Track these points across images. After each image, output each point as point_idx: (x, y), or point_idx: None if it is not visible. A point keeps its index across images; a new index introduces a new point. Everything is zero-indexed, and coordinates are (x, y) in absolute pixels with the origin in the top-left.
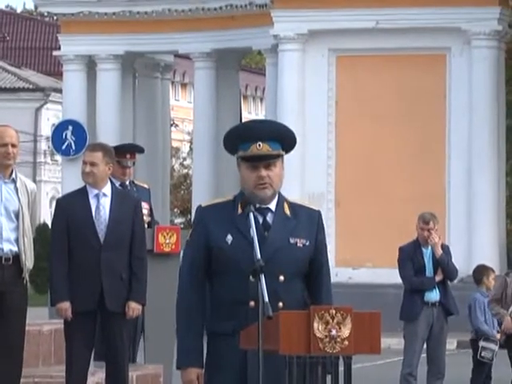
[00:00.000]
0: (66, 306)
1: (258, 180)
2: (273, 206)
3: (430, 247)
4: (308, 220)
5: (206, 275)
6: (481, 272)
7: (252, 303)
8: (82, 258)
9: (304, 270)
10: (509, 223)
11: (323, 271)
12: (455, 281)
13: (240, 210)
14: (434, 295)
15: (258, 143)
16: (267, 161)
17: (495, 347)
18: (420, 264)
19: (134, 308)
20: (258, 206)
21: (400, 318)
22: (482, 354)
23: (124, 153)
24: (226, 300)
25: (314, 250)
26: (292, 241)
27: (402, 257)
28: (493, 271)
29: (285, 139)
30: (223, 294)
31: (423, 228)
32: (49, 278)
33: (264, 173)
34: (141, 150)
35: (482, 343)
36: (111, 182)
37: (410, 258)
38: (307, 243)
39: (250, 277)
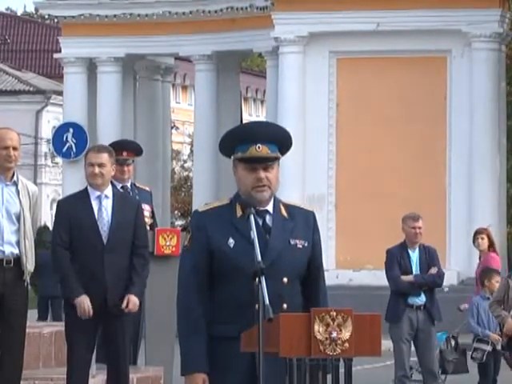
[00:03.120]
0: (85, 299)
1: (257, 182)
2: (270, 208)
3: (416, 249)
4: (304, 221)
5: (208, 279)
6: (483, 274)
7: (257, 306)
8: (85, 259)
9: (303, 271)
10: (509, 226)
11: (321, 274)
12: (455, 283)
13: (239, 213)
14: (418, 299)
15: (258, 145)
16: (266, 163)
17: (487, 347)
18: (407, 267)
19: (133, 301)
20: (256, 208)
21: (385, 319)
22: (473, 355)
23: (120, 150)
24: (230, 303)
25: (311, 250)
26: (292, 242)
27: (389, 258)
28: (497, 273)
29: (282, 142)
30: (228, 298)
31: (414, 226)
32: (59, 280)
33: (262, 174)
34: (136, 147)
35: (474, 344)
36: (112, 184)
37: (397, 260)
38: (306, 244)
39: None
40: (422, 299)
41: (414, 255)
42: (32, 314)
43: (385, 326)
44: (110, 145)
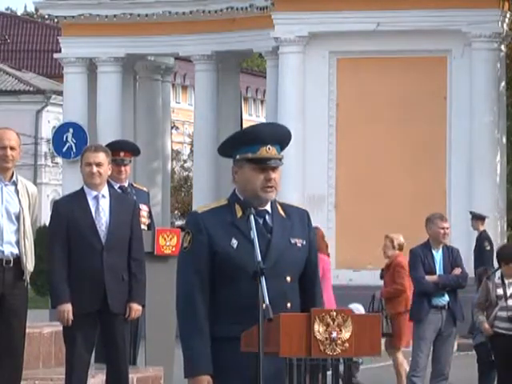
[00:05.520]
0: (67, 308)
1: (267, 182)
2: (268, 207)
3: (440, 250)
4: (300, 220)
5: (209, 280)
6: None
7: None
8: (84, 259)
9: (302, 270)
10: (509, 229)
11: (317, 273)
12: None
13: (240, 213)
14: (442, 299)
15: (268, 146)
16: (276, 164)
17: None
18: (431, 267)
19: (135, 309)
20: (256, 208)
21: (409, 319)
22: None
23: (117, 150)
24: (235, 304)
25: (308, 249)
26: (292, 241)
27: (413, 259)
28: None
29: (285, 143)
30: (232, 298)
31: (443, 227)
32: (49, 280)
33: (272, 175)
34: (134, 147)
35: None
36: (110, 184)
37: (421, 260)
38: (304, 243)
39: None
40: (445, 299)
41: (438, 255)
42: (33, 314)
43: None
44: (108, 145)
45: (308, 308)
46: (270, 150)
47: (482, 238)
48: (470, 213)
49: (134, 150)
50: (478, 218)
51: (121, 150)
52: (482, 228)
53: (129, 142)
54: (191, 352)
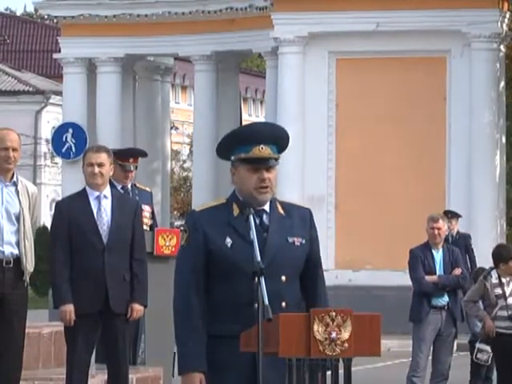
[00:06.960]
0: (69, 308)
1: (260, 182)
2: (267, 206)
3: (440, 250)
4: (301, 218)
5: (205, 279)
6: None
7: (257, 305)
8: (86, 260)
9: (301, 269)
10: (508, 228)
11: (319, 271)
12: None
13: (237, 212)
14: (441, 299)
15: (261, 146)
16: (270, 163)
17: (489, 348)
18: (430, 267)
19: (137, 310)
20: (255, 208)
21: (409, 319)
22: (478, 356)
23: (127, 157)
24: (230, 302)
25: (309, 248)
26: (290, 240)
27: (412, 259)
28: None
29: (282, 143)
30: (227, 297)
31: (433, 227)
32: (51, 281)
33: (266, 175)
34: (144, 154)
35: (478, 345)
36: (112, 184)
37: (420, 260)
38: (303, 241)
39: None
40: (445, 299)
41: (438, 256)
42: (32, 314)
43: (385, 326)
44: (119, 151)
45: (310, 308)
46: (263, 150)
47: (466, 237)
48: (449, 212)
49: (141, 154)
50: (457, 217)
51: (130, 157)
52: (457, 227)
53: (138, 150)
54: (185, 349)
